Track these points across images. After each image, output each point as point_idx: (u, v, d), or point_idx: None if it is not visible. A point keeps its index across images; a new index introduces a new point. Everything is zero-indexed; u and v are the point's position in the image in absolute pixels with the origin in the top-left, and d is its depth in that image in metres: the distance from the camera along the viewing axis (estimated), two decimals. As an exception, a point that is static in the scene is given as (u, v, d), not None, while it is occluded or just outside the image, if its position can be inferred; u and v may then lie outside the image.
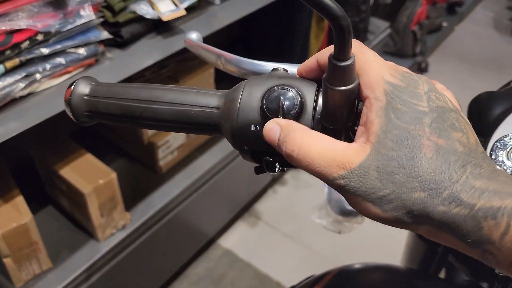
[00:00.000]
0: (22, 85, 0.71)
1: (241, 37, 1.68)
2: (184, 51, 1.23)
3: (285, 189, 1.79)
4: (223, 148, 1.36)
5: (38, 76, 0.73)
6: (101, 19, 0.81)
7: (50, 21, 0.72)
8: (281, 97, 0.29)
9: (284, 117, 0.28)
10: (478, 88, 2.30)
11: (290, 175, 1.85)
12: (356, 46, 0.28)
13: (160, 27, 0.96)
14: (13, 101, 0.73)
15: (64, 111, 0.98)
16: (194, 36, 0.43)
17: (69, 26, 0.74)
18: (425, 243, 0.52)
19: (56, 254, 1.02)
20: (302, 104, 0.28)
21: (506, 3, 3.31)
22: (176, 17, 0.99)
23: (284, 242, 1.58)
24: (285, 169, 0.32)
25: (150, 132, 1.16)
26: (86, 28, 0.79)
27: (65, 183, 0.98)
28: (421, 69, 2.51)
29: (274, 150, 0.29)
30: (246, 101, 0.30)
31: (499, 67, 2.64)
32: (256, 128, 0.30)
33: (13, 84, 0.70)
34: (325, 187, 0.61)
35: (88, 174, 0.97)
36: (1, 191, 0.92)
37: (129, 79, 1.12)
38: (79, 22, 0.76)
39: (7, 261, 0.89)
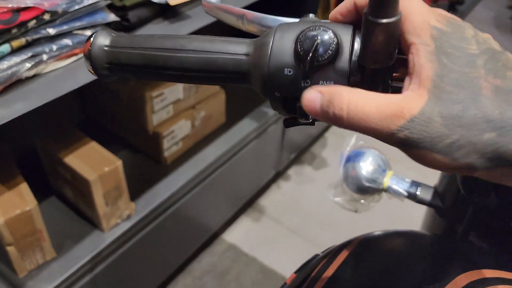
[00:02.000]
0: (28, 65, 0.69)
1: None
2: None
3: (288, 184, 1.78)
4: (228, 139, 1.34)
5: (44, 56, 0.71)
6: (109, 1, 0.80)
7: (57, 1, 0.70)
8: (317, 37, 0.27)
9: (320, 59, 0.27)
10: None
11: (294, 171, 1.83)
12: None
13: (167, 12, 0.95)
14: (19, 82, 0.71)
15: (69, 98, 0.97)
16: (213, -1, 0.41)
17: (76, 7, 0.73)
18: (444, 219, 0.51)
19: (60, 244, 1.00)
20: (338, 45, 0.27)
21: (507, 2, 3.31)
22: (183, 2, 0.98)
23: (289, 237, 1.56)
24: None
25: (155, 121, 1.14)
26: (93, 9, 0.77)
27: (69, 171, 0.97)
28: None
29: None
30: (278, 44, 0.28)
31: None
32: (290, 71, 0.28)
33: (19, 64, 0.68)
34: (340, 165, 0.60)
35: (93, 162, 0.96)
36: (5, 179, 0.90)
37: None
38: (86, 2, 0.74)
39: (10, 249, 0.87)
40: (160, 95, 1.11)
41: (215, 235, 1.52)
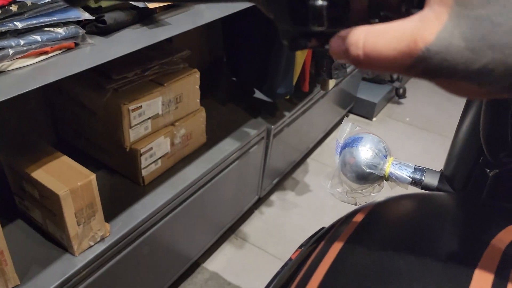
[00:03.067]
0: (-9, 58, 0.63)
1: (225, 53, 1.65)
2: (170, 53, 1.18)
3: (271, 210, 1.71)
4: (209, 160, 1.28)
5: (10, 51, 0.66)
6: None
7: (25, -9, 0.65)
8: None
9: None
10: (453, 110, 2.33)
11: (276, 196, 1.78)
12: None
13: (145, 18, 0.91)
14: (-20, 79, 0.65)
15: (40, 119, 0.90)
16: None
17: (47, 0, 0.68)
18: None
19: (24, 269, 0.91)
20: None
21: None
22: (163, 10, 0.94)
23: (274, 263, 1.48)
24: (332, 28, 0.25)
25: (132, 137, 1.08)
26: (66, 6, 0.72)
27: (37, 187, 0.89)
28: (398, 94, 2.53)
29: None
30: None
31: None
32: None
33: (-19, 57, 0.62)
34: (336, 153, 0.55)
35: (63, 177, 0.88)
36: (-37, 195, 0.81)
37: (110, 73, 1.06)
38: (57, -4, 0.69)
39: (-33, 273, 0.77)
40: (138, 108, 1.05)
41: (196, 264, 1.43)
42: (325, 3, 0.23)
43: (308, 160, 2.02)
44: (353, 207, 0.51)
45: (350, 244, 0.32)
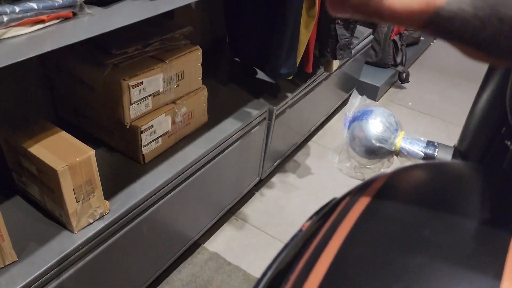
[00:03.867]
0: (-15, 25, 0.61)
1: (227, 32, 1.61)
2: (171, 29, 1.15)
3: (272, 192, 1.70)
4: (210, 139, 1.26)
5: (5, 18, 0.63)
6: (81, -34, 0.72)
7: (21, -45, 0.62)
8: None
9: None
10: (458, 97, 2.30)
11: (277, 179, 1.76)
12: None
13: (145, -10, 0.88)
14: (-26, 47, 0.62)
15: (39, 96, 0.88)
16: None
17: (44, -35, 0.65)
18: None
19: (22, 246, 0.89)
20: None
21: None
22: (163, -19, 0.91)
23: (274, 244, 1.47)
24: None
25: (133, 114, 1.05)
26: (63, -27, 0.69)
27: (35, 163, 0.87)
28: (401, 79, 2.49)
29: None
30: None
31: (477, 78, 2.64)
32: None
33: (-26, 23, 0.60)
34: (345, 127, 0.52)
35: (62, 152, 0.86)
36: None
37: (110, 48, 1.03)
38: (55, -38, 0.66)
39: (-37, 248, 0.76)
40: (138, 84, 1.03)
41: (196, 244, 1.42)
42: None
43: (310, 143, 2.00)
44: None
45: (367, 214, 0.30)
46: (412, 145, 0.49)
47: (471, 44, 0.20)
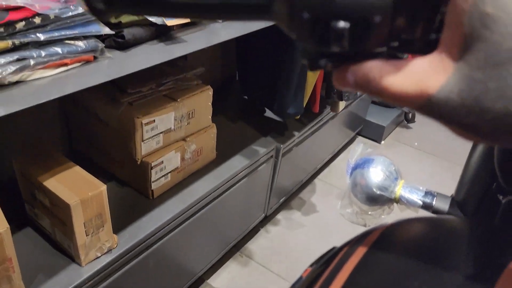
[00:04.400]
0: (12, 68, 0.65)
1: (238, 71, 1.67)
2: (184, 70, 1.20)
3: (277, 228, 1.71)
4: (218, 176, 1.29)
5: (31, 61, 0.67)
6: (103, 14, 0.77)
7: (49, 4, 0.68)
8: None
9: None
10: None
11: (282, 215, 1.77)
12: None
13: (162, 35, 0.93)
14: (0, 87, 0.66)
15: (55, 127, 0.92)
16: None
17: (70, 13, 0.70)
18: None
19: (31, 278, 0.91)
20: None
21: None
22: (181, 27, 0.97)
23: (277, 282, 1.47)
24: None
25: (144, 151, 1.09)
26: (87, 20, 0.74)
27: (49, 196, 0.90)
28: (407, 119, 2.53)
29: (346, 13, 0.24)
30: None
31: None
32: None
33: (3, 66, 0.64)
34: (347, 173, 0.55)
35: (75, 186, 0.89)
36: (-24, 200, 0.83)
37: (126, 87, 1.08)
38: (80, 11, 0.72)
39: (-25, 278, 0.78)
40: (151, 122, 1.07)
41: (201, 280, 1.42)
42: (347, 25, 0.24)
43: (316, 180, 2.01)
44: (362, 229, 0.51)
45: (363, 264, 0.32)
46: (411, 193, 0.51)
47: (459, 127, 0.23)
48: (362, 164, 0.52)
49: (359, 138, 2.38)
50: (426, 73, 0.23)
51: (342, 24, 0.24)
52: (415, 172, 2.14)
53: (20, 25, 0.65)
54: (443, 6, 0.24)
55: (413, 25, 0.24)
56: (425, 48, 0.25)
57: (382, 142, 2.37)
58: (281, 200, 1.73)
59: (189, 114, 1.17)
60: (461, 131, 0.23)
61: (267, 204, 1.62)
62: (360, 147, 0.55)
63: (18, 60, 0.66)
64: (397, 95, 0.24)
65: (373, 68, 0.26)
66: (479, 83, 0.21)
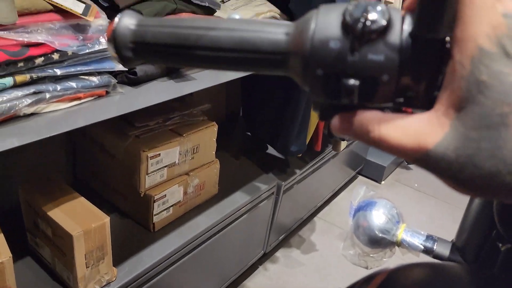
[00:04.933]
0: (29, 101, 0.67)
1: (242, 107, 1.70)
2: (191, 106, 1.23)
3: (275, 266, 1.69)
4: (219, 211, 1.30)
5: (47, 95, 0.70)
6: (118, 51, 0.80)
7: (68, 42, 0.71)
8: (368, 6, 0.26)
9: (370, 28, 0.25)
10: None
11: (281, 253, 1.76)
12: None
13: (172, 73, 0.96)
14: (16, 118, 0.69)
15: (61, 156, 0.94)
16: (237, 16, 0.41)
17: (87, 50, 0.73)
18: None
19: (28, 308, 0.91)
20: (390, 17, 0.26)
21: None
22: (189, 65, 1.00)
23: (276, 323, 1.45)
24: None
25: (148, 184, 1.10)
26: (102, 57, 0.78)
27: (51, 225, 0.90)
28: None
29: (356, 71, 0.26)
30: (323, 17, 0.27)
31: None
32: (336, 44, 0.26)
33: (20, 98, 0.66)
34: (350, 215, 0.56)
35: (78, 217, 0.90)
36: (-20, 228, 0.83)
37: (134, 120, 1.10)
38: (96, 48, 0.75)
39: (-27, 307, 0.78)
40: (156, 156, 1.08)
41: (197, 317, 1.40)
42: (357, 82, 0.26)
43: (315, 218, 2.01)
44: (363, 270, 0.52)
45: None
46: (412, 237, 0.52)
47: (453, 181, 0.24)
48: (364, 207, 0.53)
49: (360, 177, 2.39)
50: (424, 129, 0.25)
51: (352, 81, 0.26)
52: (415, 213, 2.14)
53: (39, 60, 0.68)
54: (445, 67, 0.26)
55: (417, 84, 0.26)
56: (428, 104, 0.27)
57: (382, 182, 2.38)
58: (280, 237, 1.72)
59: (193, 149, 1.19)
60: (455, 185, 0.25)
61: (266, 241, 1.62)
62: (363, 190, 0.57)
63: (34, 93, 0.68)
64: (395, 147, 0.26)
65: (373, 119, 0.27)
66: (473, 142, 0.23)
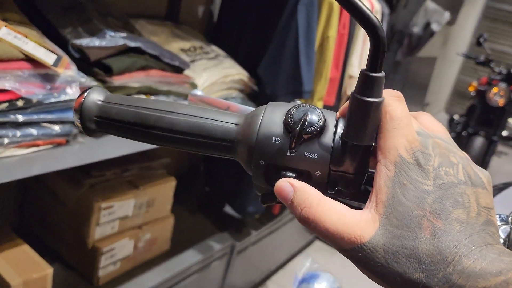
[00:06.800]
0: (-14, 144, 0.67)
1: (204, 163, 1.71)
2: (151, 159, 1.23)
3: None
4: (169, 268, 1.27)
5: (5, 140, 0.70)
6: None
7: (35, 90, 0.72)
8: (307, 111, 0.29)
9: (308, 130, 0.29)
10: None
11: (272, 281, 1.71)
12: (393, 106, 0.28)
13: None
14: (-31, 161, 0.68)
15: (8, 198, 0.92)
16: (199, 93, 0.44)
17: (52, 100, 0.74)
18: None
19: None
20: (325, 121, 0.29)
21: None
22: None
23: None
24: None
25: (97, 235, 1.08)
26: (67, 106, 0.78)
27: (-11, 273, 0.86)
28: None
29: (293, 166, 0.29)
30: (269, 115, 0.30)
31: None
32: (277, 140, 0.29)
33: (-24, 141, 0.66)
34: (294, 286, 0.57)
35: (20, 266, 0.86)
36: None
37: (90, 169, 1.09)
38: (63, 98, 0.76)
39: None
40: (109, 207, 1.07)
41: None
42: (293, 175, 0.29)
43: (269, 282, 1.99)
44: None
45: None
46: (351, 313, 0.53)
47: (378, 275, 0.26)
48: (308, 279, 0.55)
49: (317, 242, 2.41)
50: (360, 221, 0.27)
51: (289, 174, 0.29)
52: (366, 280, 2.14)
53: (2, 106, 0.68)
54: (368, 169, 0.30)
55: (346, 180, 0.30)
56: (359, 197, 0.30)
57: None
58: (230, 299, 1.68)
59: (149, 202, 1.19)
60: (378, 280, 0.26)
61: (215, 303, 1.58)
62: (308, 261, 0.58)
63: (-8, 137, 0.68)
64: (330, 232, 0.27)
65: (315, 196, 0.28)
66: (397, 240, 0.26)
